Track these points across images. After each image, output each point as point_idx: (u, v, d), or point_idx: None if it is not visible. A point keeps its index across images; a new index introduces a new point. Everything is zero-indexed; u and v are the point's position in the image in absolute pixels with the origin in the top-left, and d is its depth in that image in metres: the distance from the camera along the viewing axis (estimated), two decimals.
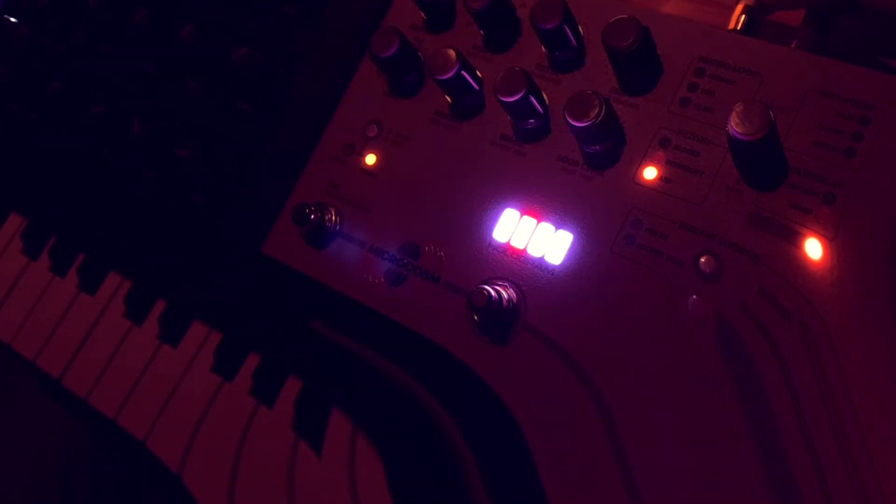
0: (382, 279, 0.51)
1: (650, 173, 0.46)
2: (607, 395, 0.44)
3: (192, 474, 0.60)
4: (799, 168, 0.43)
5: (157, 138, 0.63)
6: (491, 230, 0.49)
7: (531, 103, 0.48)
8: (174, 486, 0.60)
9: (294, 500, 0.56)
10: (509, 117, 0.50)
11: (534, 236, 0.48)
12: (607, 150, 0.47)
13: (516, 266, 0.48)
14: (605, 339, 0.44)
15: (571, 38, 0.49)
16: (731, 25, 0.52)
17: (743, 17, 0.52)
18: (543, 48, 0.50)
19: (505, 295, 0.46)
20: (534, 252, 0.47)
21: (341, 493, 0.54)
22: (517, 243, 0.48)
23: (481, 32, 0.53)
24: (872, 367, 0.39)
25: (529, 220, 0.48)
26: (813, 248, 0.41)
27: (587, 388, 0.44)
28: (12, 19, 0.75)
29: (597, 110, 0.44)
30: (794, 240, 0.42)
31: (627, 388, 0.43)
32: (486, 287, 0.46)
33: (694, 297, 0.43)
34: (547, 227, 0.47)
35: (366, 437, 0.54)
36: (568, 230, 0.47)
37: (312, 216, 0.52)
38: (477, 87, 0.51)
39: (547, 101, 0.49)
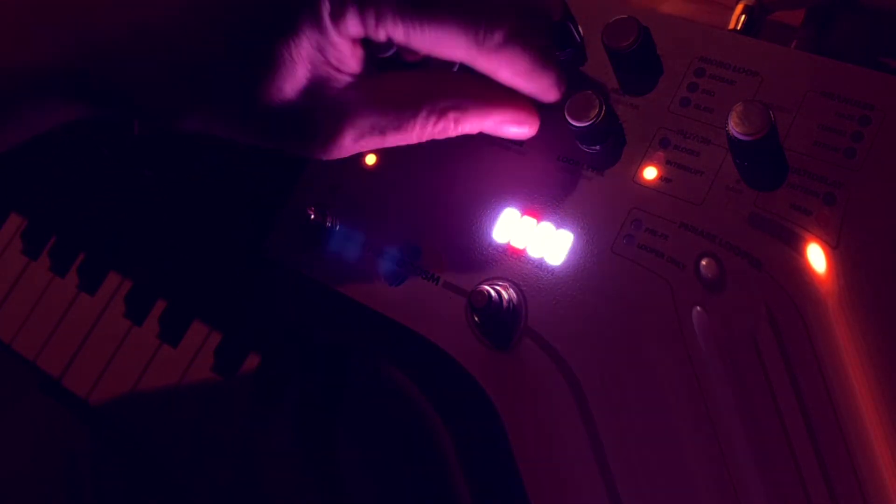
0: (382, 279, 0.50)
1: (650, 173, 0.46)
2: (597, 411, 0.44)
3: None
4: (799, 168, 0.43)
5: (156, 138, 0.63)
6: (491, 230, 0.49)
7: None
8: (175, 487, 0.60)
9: None
10: None
11: (534, 236, 0.47)
12: (607, 150, 0.47)
13: (516, 266, 0.47)
14: (602, 348, 0.44)
15: (571, 37, 0.49)
16: (731, 25, 0.52)
17: (743, 17, 0.52)
18: None
19: (505, 295, 0.46)
20: (534, 252, 0.47)
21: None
22: (517, 243, 0.48)
23: None
24: (878, 394, 0.39)
25: (529, 220, 0.48)
26: (814, 256, 0.41)
27: (578, 403, 0.44)
28: None
29: (597, 110, 0.45)
30: (796, 244, 0.42)
31: (619, 404, 0.43)
32: (487, 287, 0.46)
33: (697, 308, 0.43)
34: (547, 227, 0.47)
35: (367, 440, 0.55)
36: (568, 230, 0.47)
37: (312, 216, 0.52)
38: None
39: None
